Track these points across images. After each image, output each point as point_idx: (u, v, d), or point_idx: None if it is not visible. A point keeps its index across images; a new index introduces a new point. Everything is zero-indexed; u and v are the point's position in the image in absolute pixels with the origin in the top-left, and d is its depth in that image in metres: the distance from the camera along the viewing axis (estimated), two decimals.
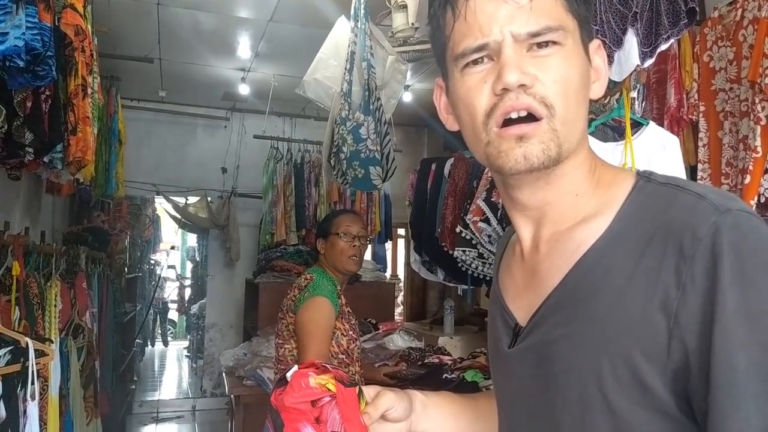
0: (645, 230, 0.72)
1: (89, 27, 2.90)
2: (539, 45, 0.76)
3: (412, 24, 3.43)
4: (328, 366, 0.86)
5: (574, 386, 0.75)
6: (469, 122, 0.81)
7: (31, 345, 2.24)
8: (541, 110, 0.76)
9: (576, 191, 0.82)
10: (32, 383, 2.26)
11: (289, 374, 0.83)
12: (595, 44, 0.85)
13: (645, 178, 0.79)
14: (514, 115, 0.76)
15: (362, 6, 3.10)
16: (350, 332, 2.48)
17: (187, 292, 11.55)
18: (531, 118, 0.76)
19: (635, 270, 0.71)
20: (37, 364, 2.23)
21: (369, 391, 0.90)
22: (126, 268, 7.18)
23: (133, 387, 7.53)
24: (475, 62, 0.79)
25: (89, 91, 2.98)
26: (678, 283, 0.67)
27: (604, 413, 0.72)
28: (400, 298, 7.88)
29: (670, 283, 0.68)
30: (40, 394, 2.62)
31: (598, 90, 0.85)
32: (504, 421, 0.93)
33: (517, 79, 0.74)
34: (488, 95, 0.77)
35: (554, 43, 0.77)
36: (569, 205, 0.82)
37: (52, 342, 2.76)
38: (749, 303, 0.64)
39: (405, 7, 3.44)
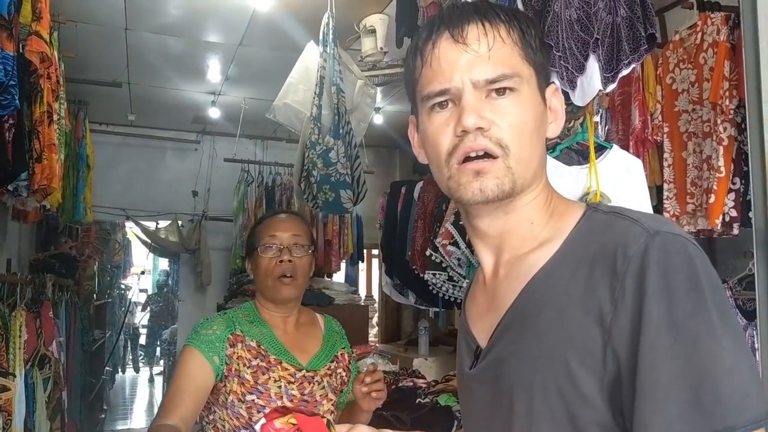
0: (586, 252, 0.79)
1: (55, 53, 2.88)
2: (497, 92, 0.84)
3: (381, 48, 3.46)
4: (289, 407, 0.89)
5: (522, 400, 0.79)
6: (435, 159, 0.89)
7: None
8: (496, 150, 0.83)
9: (531, 220, 0.88)
10: None
11: (257, 428, 0.87)
12: (552, 88, 0.92)
13: (593, 208, 0.86)
14: (472, 155, 0.83)
15: (331, 31, 3.12)
16: (252, 397, 1.73)
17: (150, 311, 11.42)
18: (488, 156, 0.83)
19: (575, 288, 0.77)
20: None
21: (341, 428, 0.90)
22: (95, 295, 7.06)
23: (103, 416, 7.37)
24: (441, 105, 0.86)
25: (55, 117, 2.95)
26: (612, 299, 0.72)
27: (547, 425, 0.76)
28: (375, 319, 7.84)
29: (605, 299, 0.73)
30: (4, 428, 2.55)
31: (554, 130, 0.92)
32: None
33: (474, 123, 0.82)
34: (450, 136, 0.85)
35: (510, 89, 0.84)
36: (525, 232, 0.88)
37: (15, 376, 2.69)
38: (672, 316, 0.68)
39: (374, 31, 3.47)
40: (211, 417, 1.77)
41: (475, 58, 0.83)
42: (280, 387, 1.75)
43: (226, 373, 1.72)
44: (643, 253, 0.72)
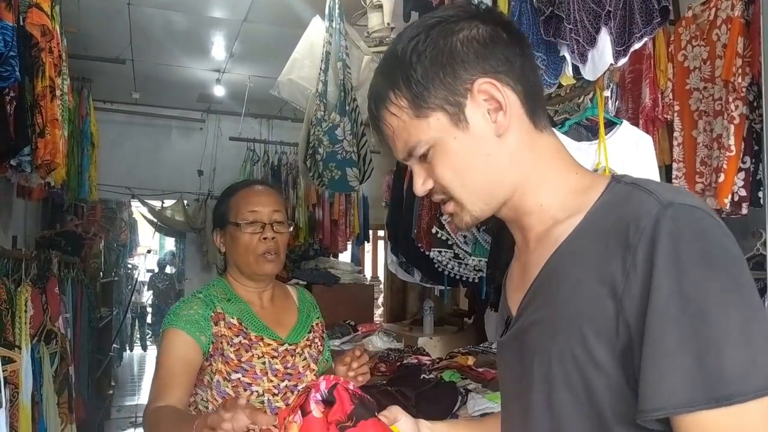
0: (604, 224, 0.80)
1: (57, 27, 2.85)
2: (421, 158, 0.89)
3: (388, 24, 3.41)
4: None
5: (541, 367, 0.83)
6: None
7: None
8: (445, 197, 0.91)
9: (540, 203, 0.90)
10: (0, 391, 2.21)
11: None
12: (478, 84, 0.85)
13: (616, 180, 0.87)
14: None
15: (337, 5, 3.08)
16: (237, 375, 1.70)
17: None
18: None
19: (592, 259, 0.79)
20: (4, 371, 2.18)
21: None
22: (101, 273, 7.08)
23: (111, 392, 7.43)
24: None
25: (58, 92, 2.92)
26: (623, 270, 0.74)
27: (565, 391, 0.80)
28: (380, 300, 7.85)
29: (618, 270, 0.75)
30: (10, 401, 2.56)
31: (503, 122, 0.86)
32: (502, 408, 1.02)
33: (421, 192, 0.92)
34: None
35: (429, 149, 0.87)
36: (537, 215, 0.91)
37: (20, 349, 2.70)
38: (682, 287, 0.69)
39: (380, 7, 3.42)
40: (191, 399, 1.71)
41: (391, 142, 0.93)
42: (264, 363, 1.73)
43: (211, 352, 1.69)
44: (655, 225, 0.73)
